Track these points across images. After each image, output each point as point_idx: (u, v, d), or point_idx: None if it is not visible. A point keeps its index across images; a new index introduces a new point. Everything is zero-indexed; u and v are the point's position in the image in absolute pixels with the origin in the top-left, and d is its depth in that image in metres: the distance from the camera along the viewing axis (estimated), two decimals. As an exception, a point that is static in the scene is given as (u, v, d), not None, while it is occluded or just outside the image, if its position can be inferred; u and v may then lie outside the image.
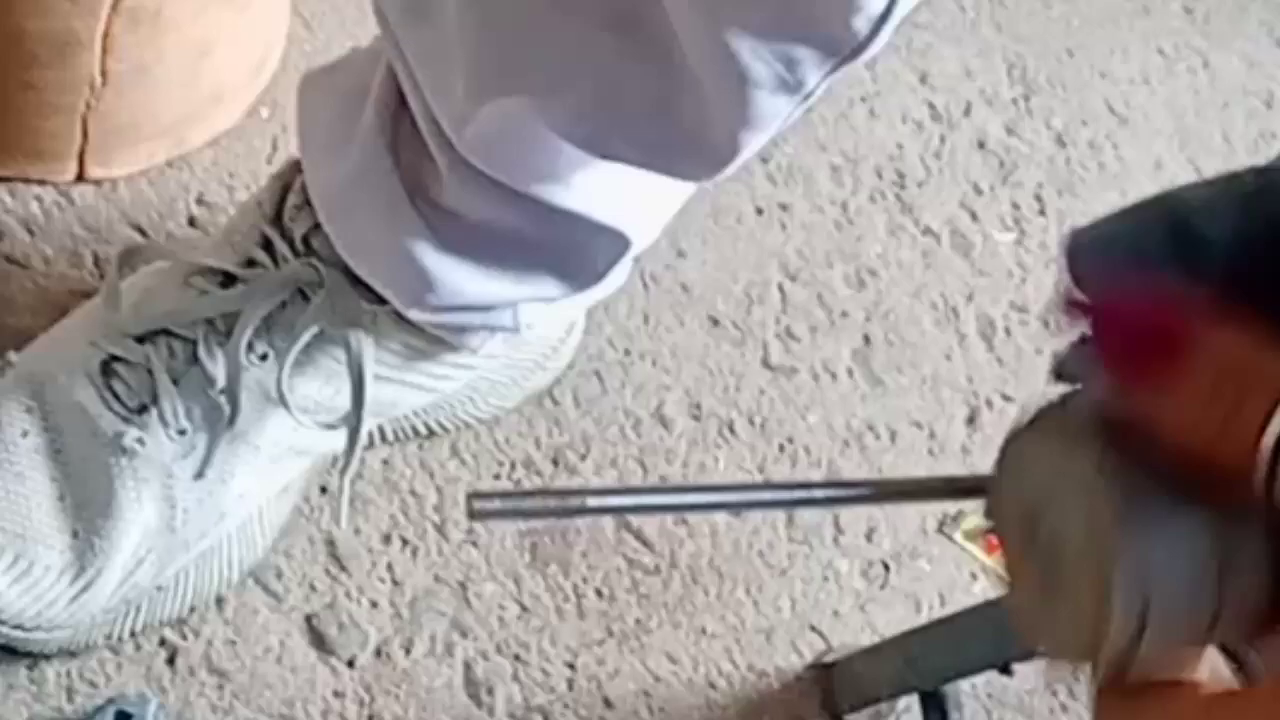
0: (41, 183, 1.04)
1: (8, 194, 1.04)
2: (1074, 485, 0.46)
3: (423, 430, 0.99)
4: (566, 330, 1.01)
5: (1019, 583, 0.50)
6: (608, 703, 0.97)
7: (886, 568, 1.03)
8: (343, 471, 0.88)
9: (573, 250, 0.86)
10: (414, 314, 0.87)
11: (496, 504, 0.47)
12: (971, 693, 0.98)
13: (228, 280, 0.89)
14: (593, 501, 0.48)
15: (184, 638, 0.94)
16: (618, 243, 0.87)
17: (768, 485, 0.51)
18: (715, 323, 1.09)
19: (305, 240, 0.89)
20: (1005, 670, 0.83)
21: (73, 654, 0.92)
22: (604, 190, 0.83)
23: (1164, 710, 0.46)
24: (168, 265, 0.92)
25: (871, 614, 1.02)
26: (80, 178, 1.04)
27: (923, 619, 1.03)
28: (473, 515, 0.46)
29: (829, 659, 1.00)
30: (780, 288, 1.11)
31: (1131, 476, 0.45)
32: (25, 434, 0.88)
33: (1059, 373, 0.49)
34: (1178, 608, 0.45)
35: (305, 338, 0.86)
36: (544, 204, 0.83)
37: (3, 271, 1.00)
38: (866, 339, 1.10)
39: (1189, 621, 0.46)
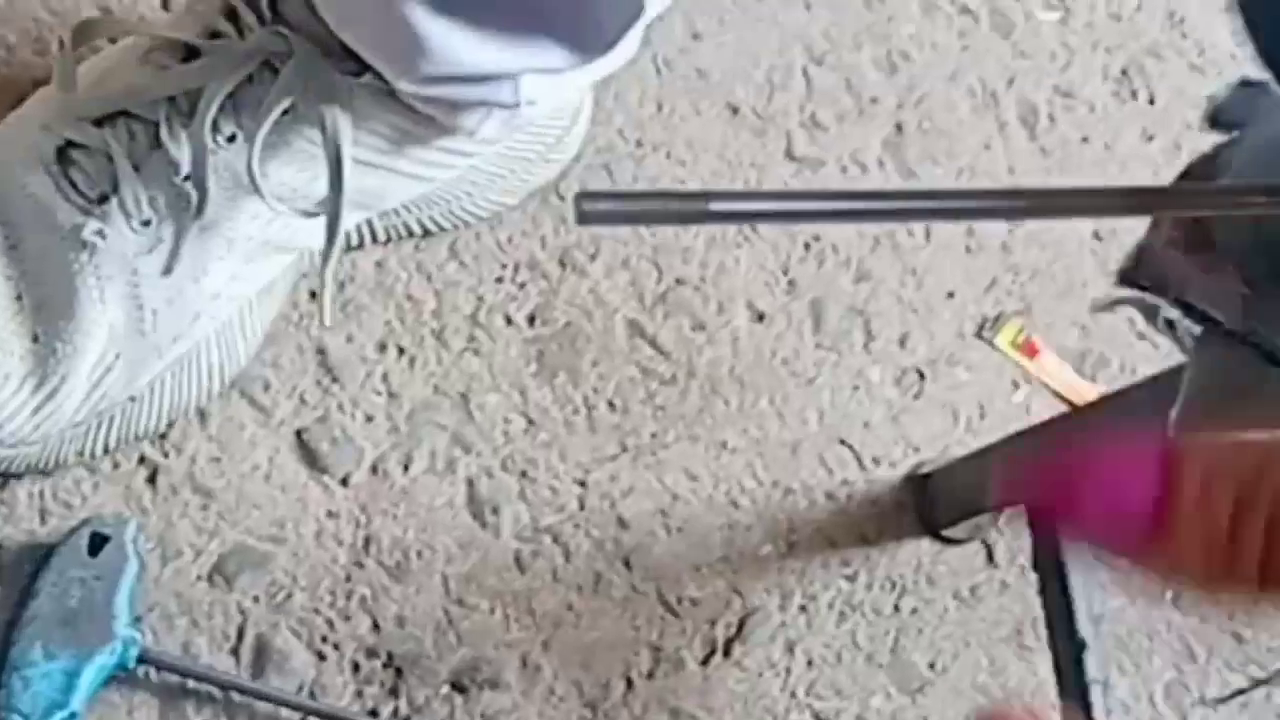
0: (-3, -38, 0.98)
1: (-41, -25, 0.97)
2: None
3: (418, 229, 0.94)
4: (572, 118, 0.94)
5: None
6: (622, 522, 0.92)
7: (921, 376, 0.98)
8: (323, 264, 0.82)
9: (581, 10, 0.79)
10: (404, 85, 0.80)
11: (607, 205, 0.40)
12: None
13: (190, 54, 0.84)
14: (717, 206, 0.41)
15: (165, 455, 0.89)
16: (630, 4, 0.79)
17: (926, 193, 0.43)
18: (734, 111, 1.02)
19: (273, 6, 0.83)
20: None
21: (45, 473, 0.87)
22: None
23: None
24: (129, 42, 0.85)
25: (905, 426, 0.97)
26: (40, -44, 0.97)
27: (960, 431, 0.97)
28: (582, 218, 0.41)
29: (925, 469, 0.95)
30: (805, 72, 1.04)
31: None
32: (-24, 231, 0.82)
33: (1214, 120, 0.42)
34: None
35: (274, 114, 0.81)
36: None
37: (-36, 63, 0.95)
38: (899, 127, 1.04)
39: None
